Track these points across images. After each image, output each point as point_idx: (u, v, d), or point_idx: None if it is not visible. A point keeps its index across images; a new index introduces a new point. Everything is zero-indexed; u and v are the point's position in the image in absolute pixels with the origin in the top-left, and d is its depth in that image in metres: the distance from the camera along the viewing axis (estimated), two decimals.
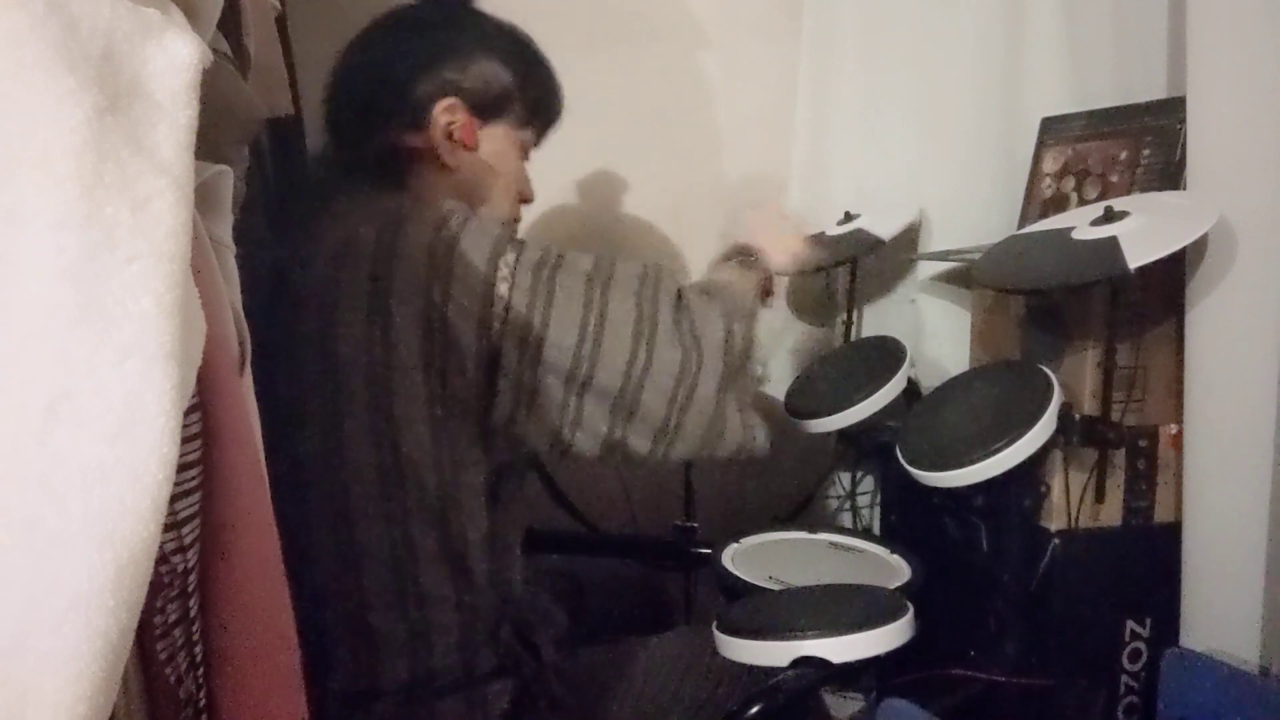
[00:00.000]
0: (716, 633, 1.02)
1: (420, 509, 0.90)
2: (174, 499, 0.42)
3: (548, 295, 0.88)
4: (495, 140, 1.02)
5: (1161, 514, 1.16)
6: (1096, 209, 1.08)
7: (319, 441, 0.90)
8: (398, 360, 0.87)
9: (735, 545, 1.35)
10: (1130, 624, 1.16)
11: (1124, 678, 1.17)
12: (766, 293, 1.10)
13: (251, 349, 0.57)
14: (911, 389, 1.36)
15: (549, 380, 0.89)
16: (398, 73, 0.98)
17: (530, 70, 1.03)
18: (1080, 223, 1.09)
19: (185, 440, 0.44)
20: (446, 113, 0.98)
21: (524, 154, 1.07)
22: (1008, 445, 1.03)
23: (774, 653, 0.96)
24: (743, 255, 1.10)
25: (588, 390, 0.90)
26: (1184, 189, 1.12)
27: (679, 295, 0.96)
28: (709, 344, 0.94)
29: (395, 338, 0.86)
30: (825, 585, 1.14)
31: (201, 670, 0.49)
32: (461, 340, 0.86)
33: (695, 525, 1.47)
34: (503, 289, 0.87)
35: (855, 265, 1.52)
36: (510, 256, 0.89)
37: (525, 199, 1.08)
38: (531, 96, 1.03)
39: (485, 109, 1.00)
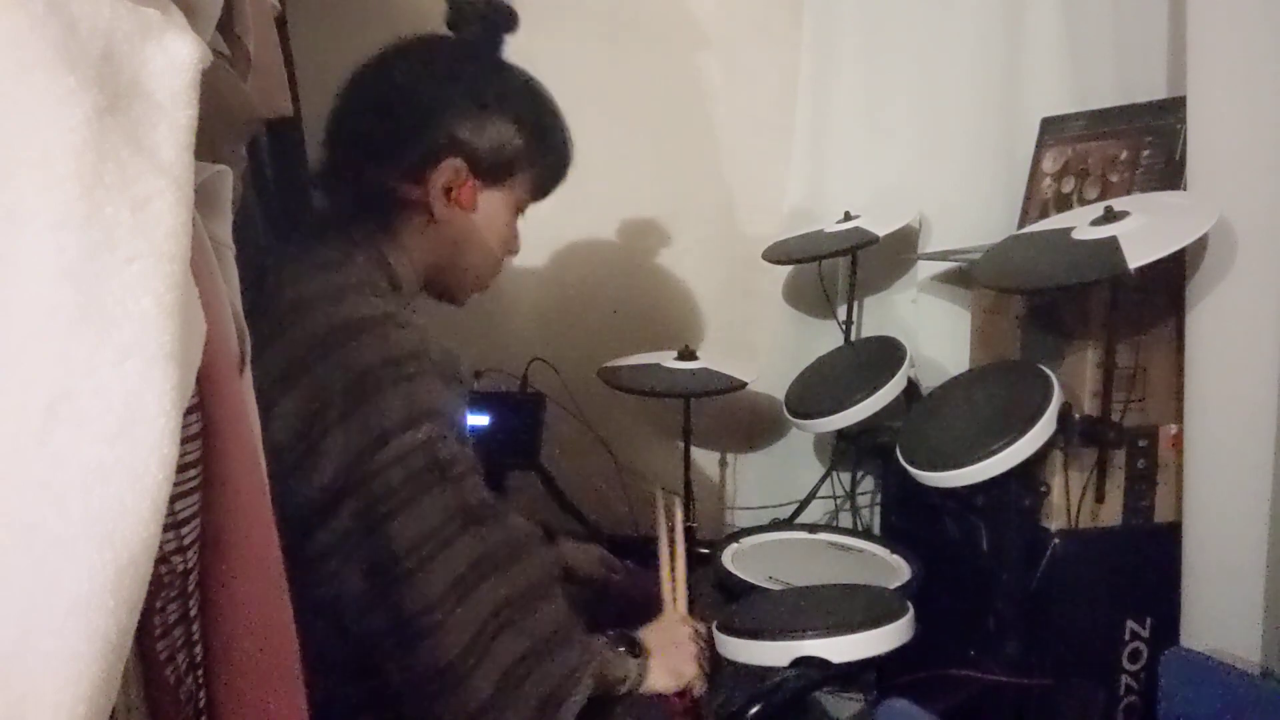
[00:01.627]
0: (716, 633, 1.02)
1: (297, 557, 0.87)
2: (174, 499, 0.42)
3: (413, 494, 0.81)
4: (493, 203, 0.99)
5: (1161, 514, 1.16)
6: (1096, 209, 1.08)
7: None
8: (270, 425, 0.81)
9: (735, 545, 1.35)
10: (1130, 624, 1.16)
11: (1124, 678, 1.17)
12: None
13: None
14: (911, 389, 1.36)
15: (359, 561, 0.82)
16: (410, 119, 0.94)
17: (545, 139, 0.99)
18: (1080, 223, 1.09)
19: (185, 440, 0.44)
20: (450, 172, 0.94)
21: (519, 213, 1.04)
22: (1008, 445, 1.03)
23: (774, 653, 0.96)
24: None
25: (389, 589, 0.82)
26: (1184, 189, 1.12)
27: (540, 641, 0.86)
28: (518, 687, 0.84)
29: (276, 413, 0.82)
30: (825, 585, 1.14)
31: (201, 670, 0.49)
32: (324, 460, 0.81)
33: (695, 525, 1.47)
34: (388, 455, 0.81)
35: (855, 264, 1.52)
36: (419, 434, 0.82)
37: (511, 253, 1.06)
38: (540, 167, 1.00)
39: (491, 174, 0.97)
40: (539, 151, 0.99)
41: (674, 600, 1.10)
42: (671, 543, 1.13)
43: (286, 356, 0.83)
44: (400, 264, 0.97)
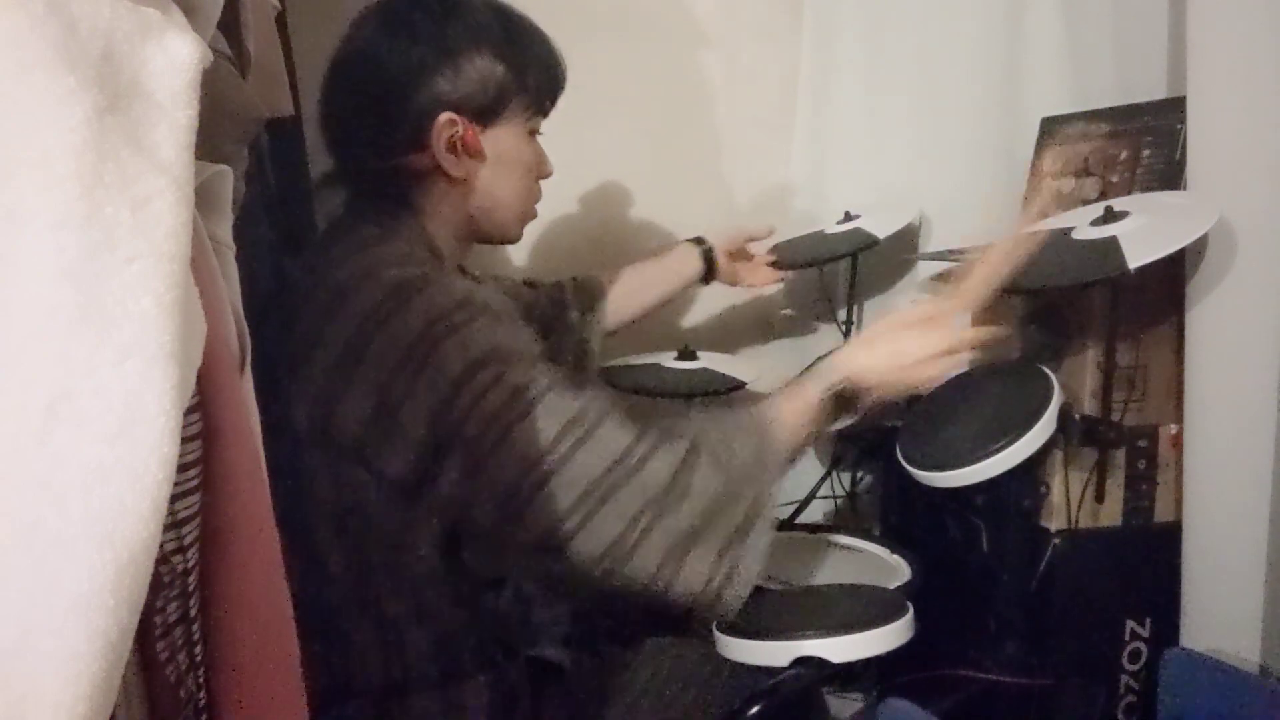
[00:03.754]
0: (716, 633, 1.02)
1: (378, 543, 0.89)
2: (174, 499, 0.41)
3: (510, 425, 0.82)
4: (502, 139, 0.97)
5: (1161, 514, 1.16)
6: (1096, 209, 1.08)
7: (285, 454, 0.90)
8: (342, 419, 0.84)
9: None
10: (1130, 624, 1.16)
11: (1124, 678, 1.17)
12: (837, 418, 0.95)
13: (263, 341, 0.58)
14: None
15: (482, 499, 0.84)
16: (387, 93, 0.93)
17: (526, 55, 0.97)
18: (1080, 223, 1.09)
19: (185, 440, 0.44)
20: (446, 128, 0.93)
21: (533, 135, 1.02)
22: (1008, 445, 1.03)
23: (774, 653, 0.96)
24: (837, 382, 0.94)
25: (522, 513, 0.84)
26: (1184, 189, 1.12)
27: (690, 449, 0.86)
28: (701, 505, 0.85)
29: (347, 400, 0.84)
30: (825, 585, 1.14)
31: (201, 670, 0.49)
32: (408, 428, 0.83)
33: None
34: (467, 401, 0.82)
35: (855, 265, 1.52)
36: (490, 374, 0.83)
37: (543, 176, 1.05)
38: (532, 83, 0.97)
39: (485, 113, 0.95)
40: (523, 72, 0.97)
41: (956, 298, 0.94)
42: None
43: (343, 341, 0.84)
44: (440, 234, 0.98)
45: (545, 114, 1.03)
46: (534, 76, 0.98)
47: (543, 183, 1.08)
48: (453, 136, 0.94)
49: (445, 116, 0.93)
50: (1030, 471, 1.12)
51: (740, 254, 1.42)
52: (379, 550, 0.89)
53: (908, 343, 0.93)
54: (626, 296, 1.37)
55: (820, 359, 0.97)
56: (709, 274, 1.39)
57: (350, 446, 0.85)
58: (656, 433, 0.87)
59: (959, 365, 0.93)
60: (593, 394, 0.87)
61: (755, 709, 0.93)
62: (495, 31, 0.96)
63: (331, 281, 0.89)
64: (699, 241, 1.38)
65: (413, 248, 0.94)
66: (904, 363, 0.93)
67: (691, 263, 1.38)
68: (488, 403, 0.82)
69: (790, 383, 0.97)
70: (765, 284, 1.46)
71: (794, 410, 0.93)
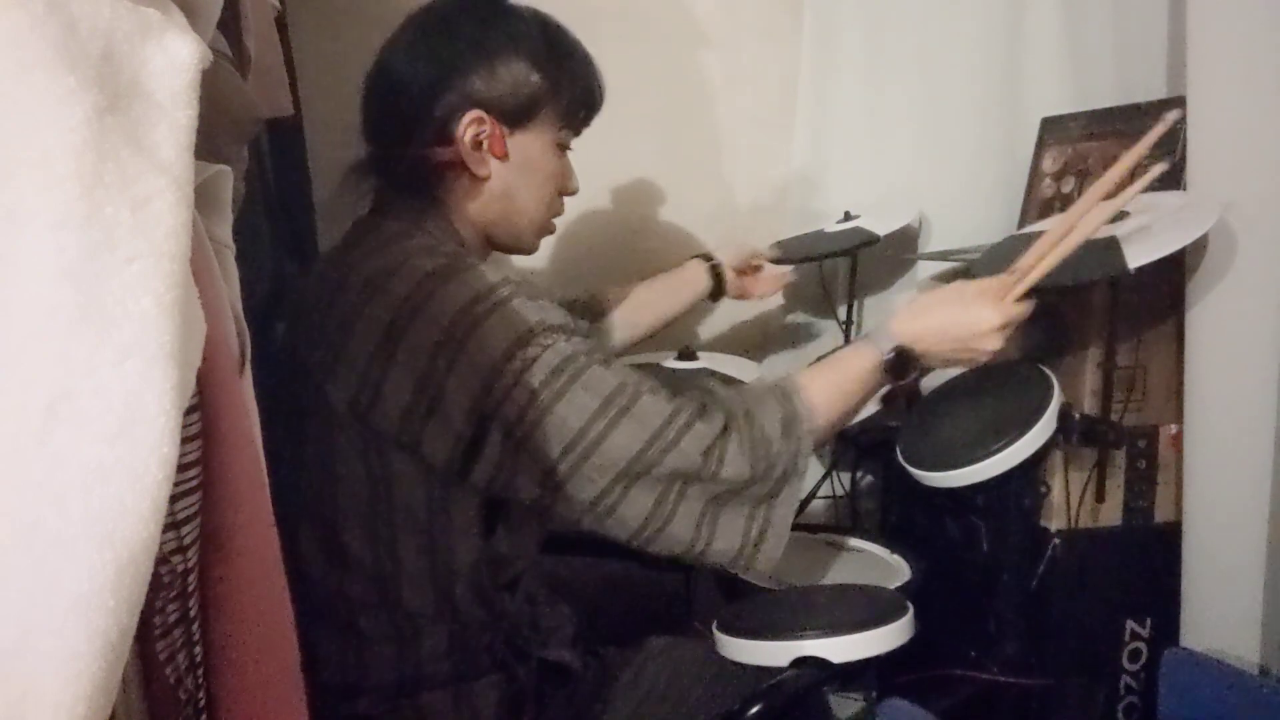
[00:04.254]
0: (716, 633, 1.02)
1: (407, 529, 0.89)
2: (174, 499, 0.42)
3: (550, 402, 0.84)
4: (528, 146, 0.98)
5: (1161, 514, 1.16)
6: None
7: (314, 446, 0.90)
8: (384, 406, 0.85)
9: None
10: (1130, 624, 1.16)
11: (1124, 678, 1.17)
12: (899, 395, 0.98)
13: (263, 341, 0.58)
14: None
15: (524, 475, 0.86)
16: (421, 86, 0.95)
17: (563, 69, 0.99)
18: None
19: (185, 440, 0.44)
20: (474, 125, 0.95)
21: (562, 150, 1.03)
22: (1008, 445, 1.03)
23: (774, 653, 0.96)
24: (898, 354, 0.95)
25: (562, 487, 0.86)
26: (1184, 189, 1.12)
27: (722, 430, 0.88)
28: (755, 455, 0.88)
29: (388, 387, 0.85)
30: (825, 585, 1.14)
31: (201, 670, 0.49)
32: (450, 411, 0.84)
33: None
34: (509, 380, 0.83)
35: (855, 265, 1.52)
36: (532, 351, 0.84)
37: (566, 193, 1.06)
38: (565, 97, 0.99)
39: (514, 117, 0.97)
40: (559, 83, 0.98)
41: (1020, 275, 0.95)
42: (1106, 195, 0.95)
43: (383, 324, 0.86)
44: (464, 230, 0.99)
45: (577, 131, 1.05)
46: (569, 91, 1.00)
47: None
48: (479, 134, 0.96)
49: (474, 113, 0.95)
50: (1030, 471, 1.12)
51: (747, 269, 1.42)
52: (409, 541, 0.90)
53: (964, 314, 0.94)
54: (638, 312, 1.38)
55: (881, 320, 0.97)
56: (718, 290, 1.39)
57: (391, 434, 0.86)
58: (693, 406, 0.89)
59: (1009, 344, 0.94)
60: (628, 369, 0.89)
61: (755, 709, 0.93)
62: (537, 42, 0.98)
63: (364, 272, 0.90)
64: (707, 257, 1.39)
65: (439, 239, 0.96)
66: (960, 334, 0.94)
67: (701, 279, 1.39)
68: (529, 380, 0.84)
69: (842, 348, 1.00)
70: (771, 293, 1.47)
71: (849, 371, 0.95)
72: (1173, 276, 1.08)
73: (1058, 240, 0.95)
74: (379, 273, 0.89)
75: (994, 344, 0.94)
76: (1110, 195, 0.95)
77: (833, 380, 0.96)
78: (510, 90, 0.96)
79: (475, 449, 0.85)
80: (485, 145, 0.96)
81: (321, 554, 0.91)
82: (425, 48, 0.97)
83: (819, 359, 0.99)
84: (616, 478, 0.85)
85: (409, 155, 0.96)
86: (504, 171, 0.98)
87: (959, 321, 0.94)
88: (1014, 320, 0.94)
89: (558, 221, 1.08)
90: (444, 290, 0.86)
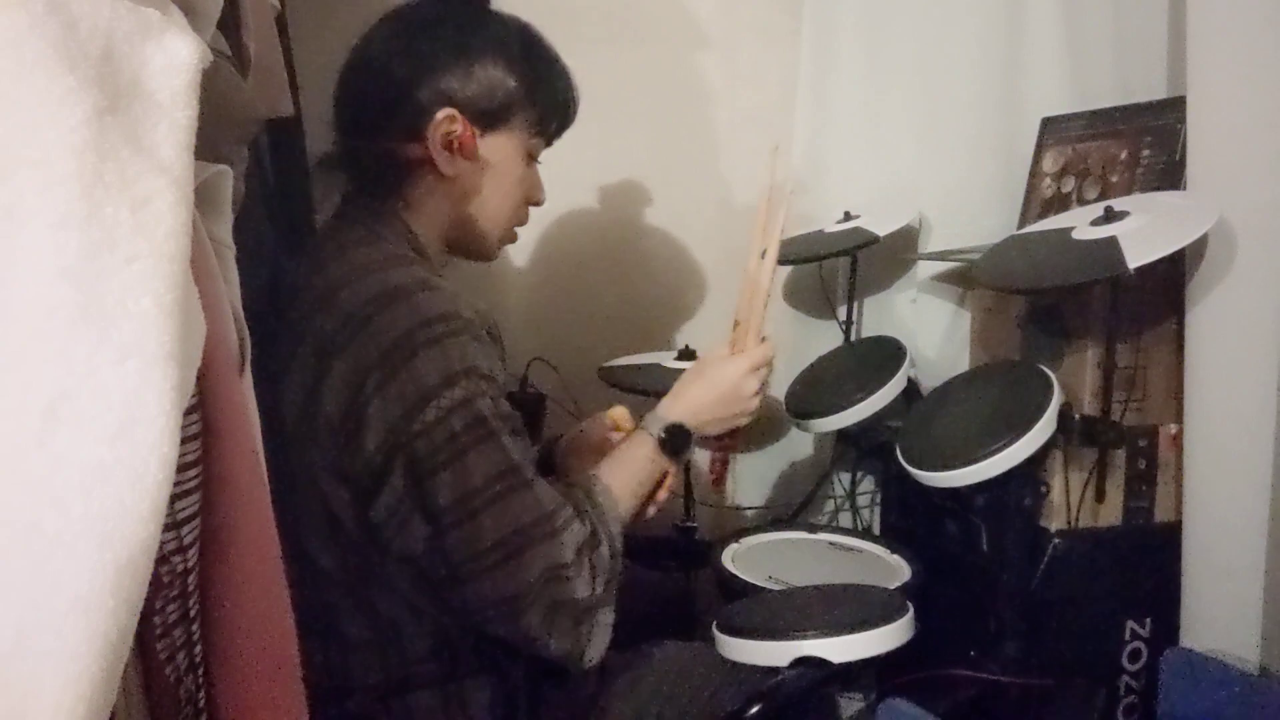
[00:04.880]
0: (716, 633, 1.02)
1: (358, 539, 0.89)
2: (174, 499, 0.42)
3: (463, 449, 0.83)
4: (497, 149, 0.98)
5: (1161, 514, 1.16)
6: (1096, 209, 1.08)
7: (278, 454, 0.89)
8: (317, 421, 0.85)
9: (735, 545, 1.35)
10: (1130, 624, 1.16)
11: (1124, 678, 1.17)
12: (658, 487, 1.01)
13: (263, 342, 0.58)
14: (911, 389, 1.36)
15: (419, 515, 0.85)
16: (396, 80, 0.95)
17: (539, 77, 0.99)
18: (1080, 223, 1.09)
19: (185, 440, 0.44)
20: (445, 123, 0.94)
21: (531, 159, 1.03)
22: (1008, 445, 1.03)
23: (774, 653, 0.96)
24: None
25: (446, 538, 0.85)
26: (1184, 189, 1.12)
27: (591, 534, 0.90)
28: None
29: (322, 396, 0.85)
30: (825, 585, 1.14)
31: (201, 670, 0.49)
32: (367, 433, 0.83)
33: (695, 525, 1.47)
34: (429, 416, 0.83)
35: (855, 264, 1.52)
36: (458, 394, 0.83)
37: (533, 202, 1.06)
38: (539, 105, 0.99)
39: (486, 119, 0.96)
40: (534, 90, 0.98)
41: (738, 328, 1.05)
42: (763, 250, 1.06)
43: (326, 336, 0.85)
44: (422, 231, 0.99)
45: (548, 142, 1.04)
46: (543, 98, 1.00)
47: (545, 183, 1.08)
48: (449, 133, 0.95)
49: (446, 112, 0.95)
50: (1030, 471, 1.12)
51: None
52: (370, 551, 0.89)
53: (714, 375, 1.01)
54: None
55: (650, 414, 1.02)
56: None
57: (326, 431, 0.86)
58: (571, 507, 0.90)
59: (768, 385, 1.01)
60: (534, 452, 0.90)
61: (755, 709, 0.93)
62: (514, 48, 0.98)
63: (319, 283, 0.90)
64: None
65: (400, 245, 0.95)
66: (719, 394, 1.01)
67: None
68: (450, 421, 0.83)
69: (621, 442, 1.02)
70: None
71: (637, 463, 0.98)
72: (1173, 276, 1.08)
73: (753, 284, 1.05)
74: (331, 286, 0.88)
75: (752, 388, 1.01)
76: (765, 235, 1.06)
77: (627, 477, 0.98)
78: (485, 92, 0.96)
79: (384, 473, 0.84)
80: (455, 145, 0.95)
81: (294, 562, 0.90)
82: (402, 44, 0.96)
83: (606, 457, 1.01)
84: (496, 545, 0.84)
85: (377, 150, 0.96)
86: (471, 173, 0.98)
87: (713, 383, 1.01)
88: (760, 360, 1.01)
89: (558, 222, 1.08)
90: (390, 311, 0.85)
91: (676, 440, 0.99)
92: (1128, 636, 1.17)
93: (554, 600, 0.86)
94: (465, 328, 0.87)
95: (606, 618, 0.91)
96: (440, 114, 0.94)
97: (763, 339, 1.05)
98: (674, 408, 1.01)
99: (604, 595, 0.90)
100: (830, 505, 1.61)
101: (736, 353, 1.03)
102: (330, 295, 0.87)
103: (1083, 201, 1.28)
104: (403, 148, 0.96)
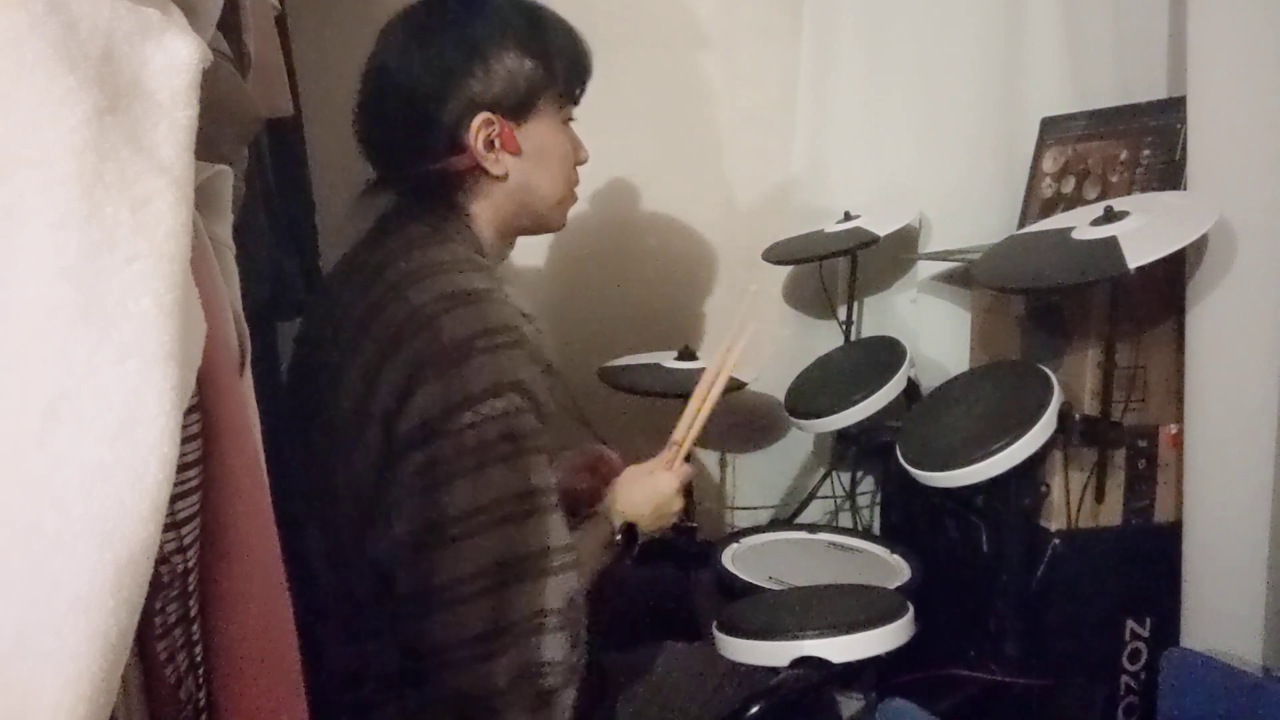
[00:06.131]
0: (716, 633, 1.02)
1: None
2: (174, 499, 0.41)
3: (488, 460, 0.82)
4: (537, 133, 0.98)
5: (1161, 514, 1.16)
6: (1096, 209, 1.08)
7: (321, 444, 0.90)
8: (373, 408, 0.85)
9: (735, 545, 1.35)
10: (1130, 624, 1.16)
11: (1124, 678, 1.17)
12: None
13: (263, 342, 0.57)
14: (911, 389, 1.36)
15: (413, 522, 0.84)
16: (421, 101, 0.94)
17: (553, 50, 0.98)
18: (1080, 223, 1.09)
19: (185, 440, 0.44)
20: (482, 128, 0.94)
21: (567, 122, 1.03)
22: (1008, 445, 1.03)
23: (774, 653, 0.96)
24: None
25: (426, 550, 0.83)
26: (1184, 189, 1.12)
27: (573, 592, 0.87)
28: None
29: (379, 387, 0.85)
30: (825, 585, 1.14)
31: (201, 670, 0.49)
32: (410, 413, 0.83)
33: (695, 525, 1.47)
34: (465, 419, 0.82)
35: (855, 264, 1.52)
36: (501, 405, 0.83)
37: (580, 162, 1.06)
38: (561, 76, 0.98)
39: (518, 110, 0.96)
40: (551, 63, 0.98)
41: (677, 446, 1.10)
42: (713, 381, 1.12)
43: (391, 329, 0.86)
44: (485, 232, 0.99)
45: (576, 101, 1.04)
46: (561, 66, 0.99)
47: None
48: (489, 135, 0.95)
49: (482, 117, 0.94)
50: (1030, 471, 1.12)
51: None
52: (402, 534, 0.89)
53: (652, 485, 1.08)
54: None
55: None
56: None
57: (380, 433, 0.86)
58: (577, 554, 0.89)
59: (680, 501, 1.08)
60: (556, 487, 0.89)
61: (755, 709, 0.93)
62: (520, 26, 0.97)
63: (389, 276, 0.90)
64: None
65: (464, 249, 0.96)
66: (655, 502, 1.06)
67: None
68: (483, 431, 0.83)
69: (585, 524, 1.03)
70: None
71: (592, 545, 1.00)
72: (1173, 276, 1.08)
73: (695, 413, 1.11)
74: (403, 277, 0.89)
75: (678, 503, 1.08)
76: (722, 366, 1.12)
77: (587, 555, 0.98)
78: (509, 85, 0.95)
79: (399, 458, 0.83)
80: (498, 144, 0.96)
81: (326, 553, 0.91)
82: (415, 60, 0.95)
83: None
84: (486, 571, 0.82)
85: (424, 173, 0.96)
86: (520, 165, 0.98)
87: (655, 491, 1.07)
88: (686, 478, 1.09)
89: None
90: (456, 313, 0.85)
91: (627, 537, 1.03)
92: (1128, 636, 1.17)
93: (526, 660, 0.83)
94: (523, 342, 0.88)
95: (568, 699, 0.87)
96: (475, 121, 0.94)
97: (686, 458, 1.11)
98: (625, 509, 1.05)
99: (575, 668, 0.87)
100: (830, 505, 1.61)
101: (672, 470, 1.09)
102: (399, 290, 0.88)
103: (1083, 201, 1.28)
104: (449, 163, 0.96)
